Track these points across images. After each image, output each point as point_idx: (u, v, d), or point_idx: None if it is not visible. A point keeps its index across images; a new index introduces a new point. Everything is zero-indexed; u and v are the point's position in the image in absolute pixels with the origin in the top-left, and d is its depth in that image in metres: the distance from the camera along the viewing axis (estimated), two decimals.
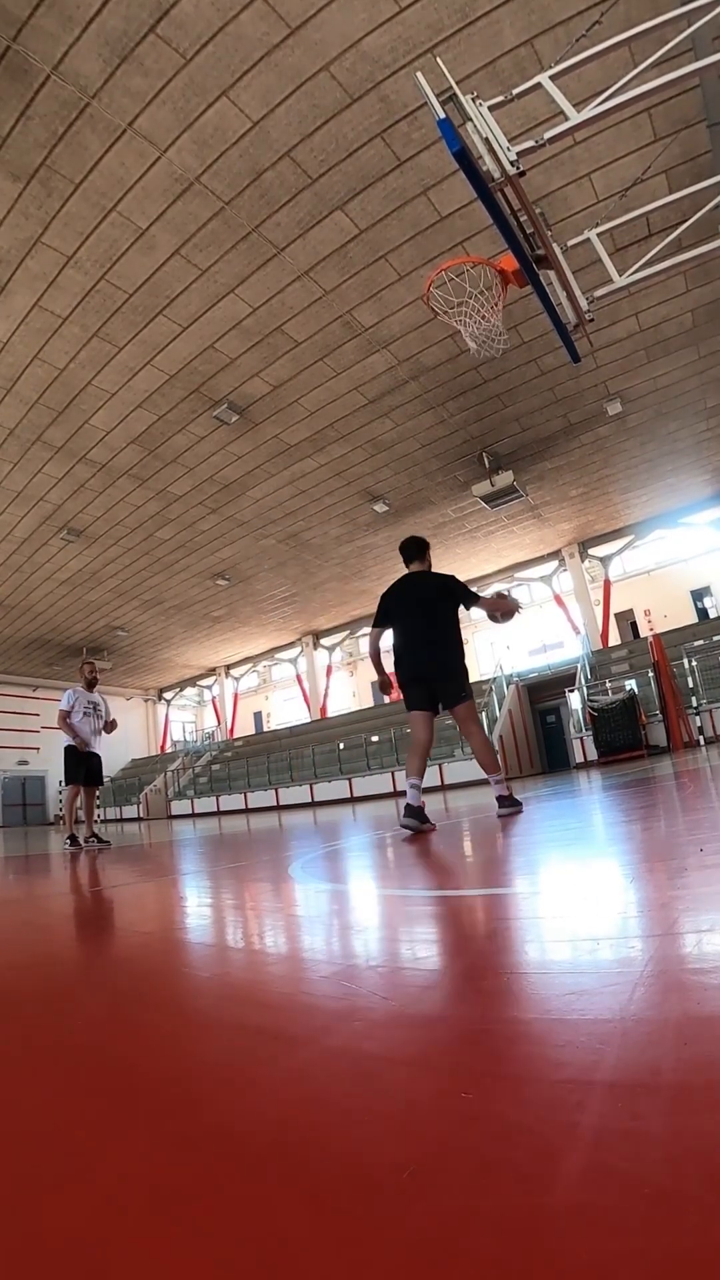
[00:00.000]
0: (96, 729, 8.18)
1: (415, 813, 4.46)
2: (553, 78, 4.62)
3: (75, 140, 7.21)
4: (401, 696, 5.01)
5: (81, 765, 7.98)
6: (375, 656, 5.06)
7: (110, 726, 8.28)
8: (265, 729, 33.21)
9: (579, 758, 17.10)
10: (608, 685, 17.63)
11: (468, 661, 5.04)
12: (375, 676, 5.06)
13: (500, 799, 4.81)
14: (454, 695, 4.79)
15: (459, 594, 4.95)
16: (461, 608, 4.95)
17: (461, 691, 4.80)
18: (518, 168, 4.53)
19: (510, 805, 4.77)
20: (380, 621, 5.05)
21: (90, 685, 8.25)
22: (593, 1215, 0.51)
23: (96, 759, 8.16)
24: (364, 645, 31.16)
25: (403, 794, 19.24)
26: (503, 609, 4.90)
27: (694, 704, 15.72)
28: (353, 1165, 0.63)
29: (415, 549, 5.20)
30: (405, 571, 5.18)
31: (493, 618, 5.01)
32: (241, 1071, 0.90)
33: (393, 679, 5.01)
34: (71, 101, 6.84)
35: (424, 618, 4.88)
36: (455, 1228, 0.52)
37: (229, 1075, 0.90)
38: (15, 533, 15.85)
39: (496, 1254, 0.48)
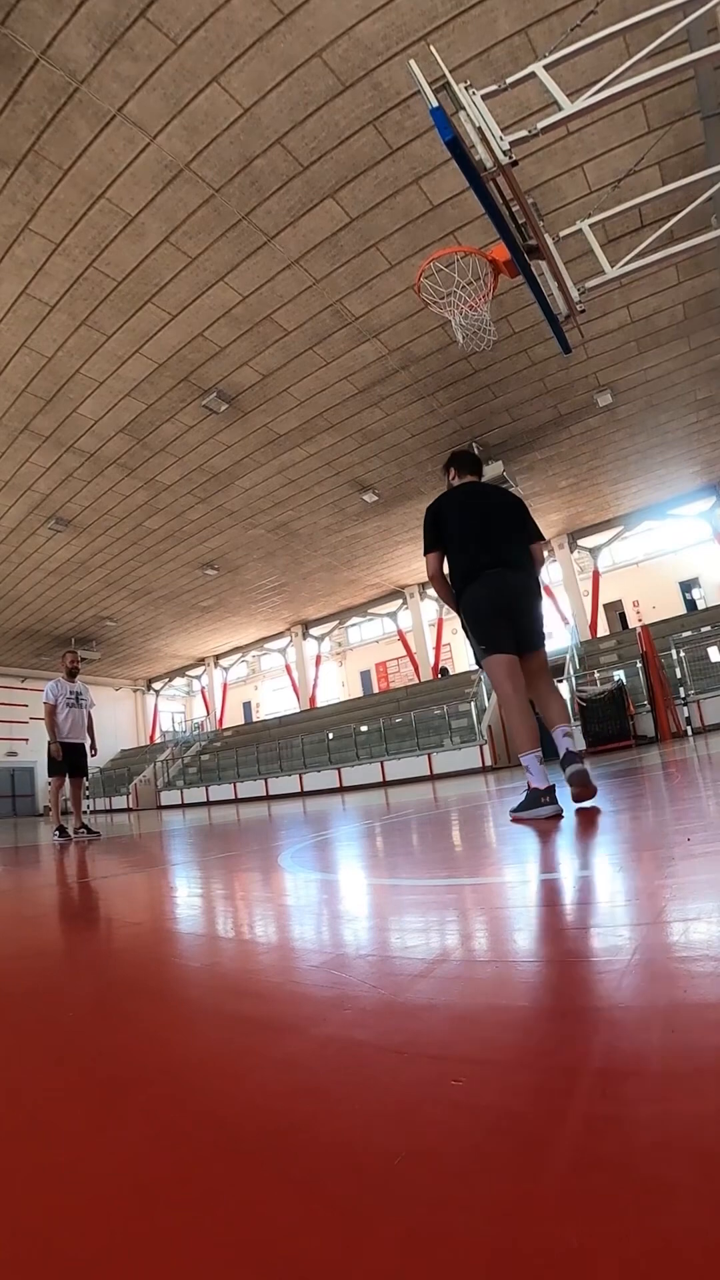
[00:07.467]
0: (80, 719, 8.14)
1: (550, 792, 3.42)
2: (547, 67, 4.60)
3: (64, 126, 7.12)
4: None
5: (66, 757, 7.95)
6: (442, 581, 4.02)
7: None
8: (254, 719, 33.20)
9: None
10: (596, 676, 17.71)
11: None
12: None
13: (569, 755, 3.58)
14: (540, 636, 3.88)
15: (531, 523, 4.05)
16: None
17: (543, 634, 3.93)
18: (510, 157, 4.52)
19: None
20: (435, 545, 3.97)
21: (72, 674, 8.20)
22: (581, 1201, 0.52)
23: (80, 749, 8.12)
24: (353, 636, 31.18)
25: (394, 784, 18.68)
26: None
27: (682, 695, 15.81)
28: (343, 1153, 0.64)
29: (471, 461, 4.30)
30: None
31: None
32: (232, 1061, 0.91)
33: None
34: (60, 86, 6.75)
35: (510, 536, 3.91)
36: (446, 1214, 0.52)
37: (220, 1065, 0.90)
38: (3, 522, 15.71)
39: (487, 1240, 0.49)
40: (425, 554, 4.00)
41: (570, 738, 3.63)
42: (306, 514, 17.55)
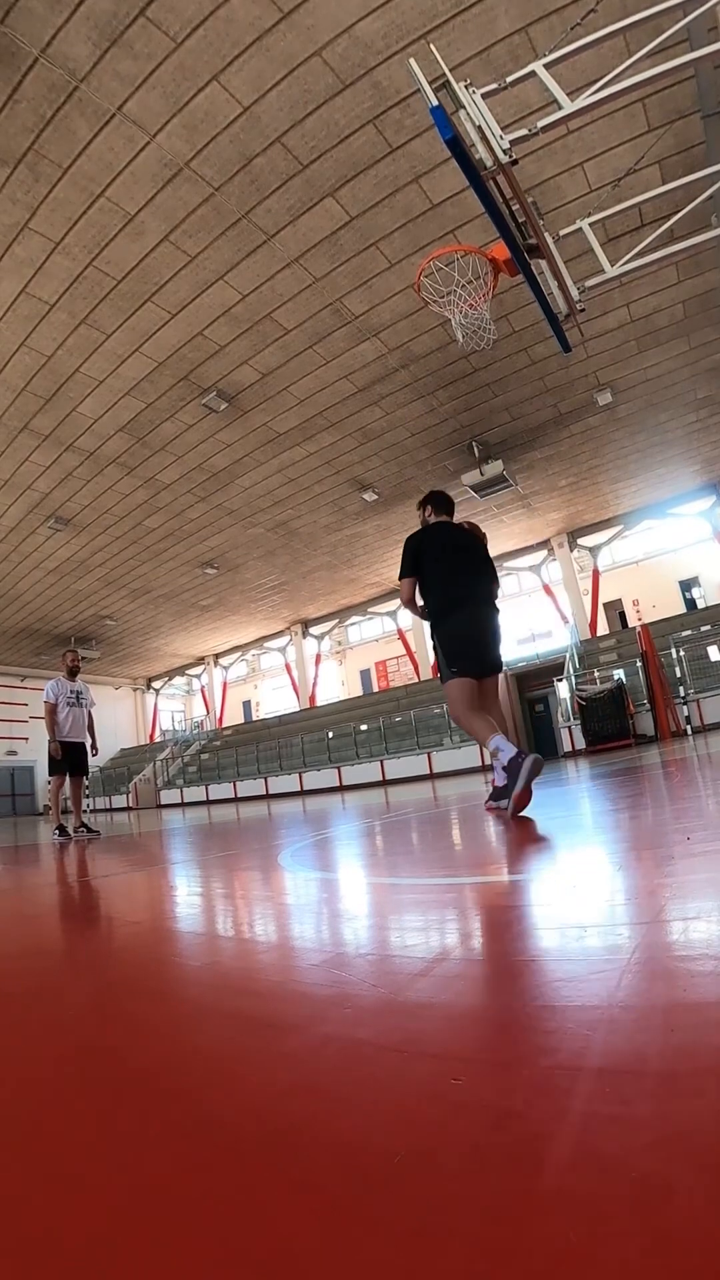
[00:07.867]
0: (80, 719, 8.15)
1: (522, 753, 3.55)
2: (547, 66, 4.59)
3: (63, 124, 7.11)
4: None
5: (66, 756, 7.96)
6: (414, 606, 4.44)
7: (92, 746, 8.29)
8: (254, 718, 33.20)
9: (567, 746, 17.18)
10: (596, 675, 17.71)
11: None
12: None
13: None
14: (498, 662, 4.35)
15: (492, 565, 4.47)
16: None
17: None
18: (510, 156, 4.51)
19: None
20: (414, 572, 4.34)
21: (72, 674, 8.22)
22: (581, 1199, 0.52)
23: (81, 748, 8.14)
24: (353, 635, 31.17)
25: (393, 783, 18.63)
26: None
27: (682, 694, 15.82)
28: (343, 1152, 0.64)
29: (447, 502, 4.72)
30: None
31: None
32: (232, 1060, 0.91)
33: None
34: (60, 85, 6.74)
35: (483, 574, 4.37)
36: (445, 1213, 0.52)
37: (220, 1064, 0.90)
38: (2, 521, 15.70)
39: (487, 1238, 0.49)
40: (401, 579, 4.41)
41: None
42: (306, 513, 17.54)
